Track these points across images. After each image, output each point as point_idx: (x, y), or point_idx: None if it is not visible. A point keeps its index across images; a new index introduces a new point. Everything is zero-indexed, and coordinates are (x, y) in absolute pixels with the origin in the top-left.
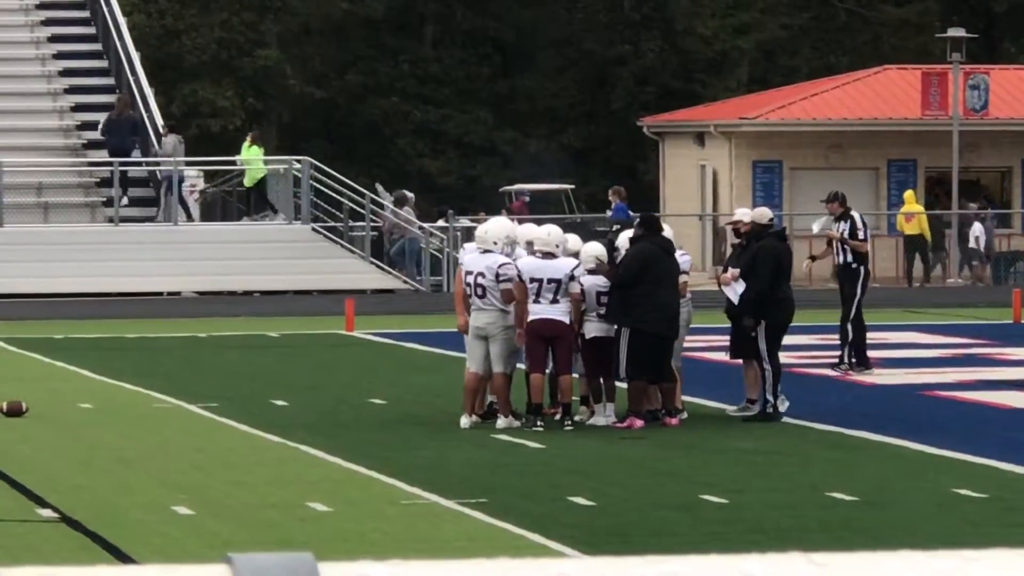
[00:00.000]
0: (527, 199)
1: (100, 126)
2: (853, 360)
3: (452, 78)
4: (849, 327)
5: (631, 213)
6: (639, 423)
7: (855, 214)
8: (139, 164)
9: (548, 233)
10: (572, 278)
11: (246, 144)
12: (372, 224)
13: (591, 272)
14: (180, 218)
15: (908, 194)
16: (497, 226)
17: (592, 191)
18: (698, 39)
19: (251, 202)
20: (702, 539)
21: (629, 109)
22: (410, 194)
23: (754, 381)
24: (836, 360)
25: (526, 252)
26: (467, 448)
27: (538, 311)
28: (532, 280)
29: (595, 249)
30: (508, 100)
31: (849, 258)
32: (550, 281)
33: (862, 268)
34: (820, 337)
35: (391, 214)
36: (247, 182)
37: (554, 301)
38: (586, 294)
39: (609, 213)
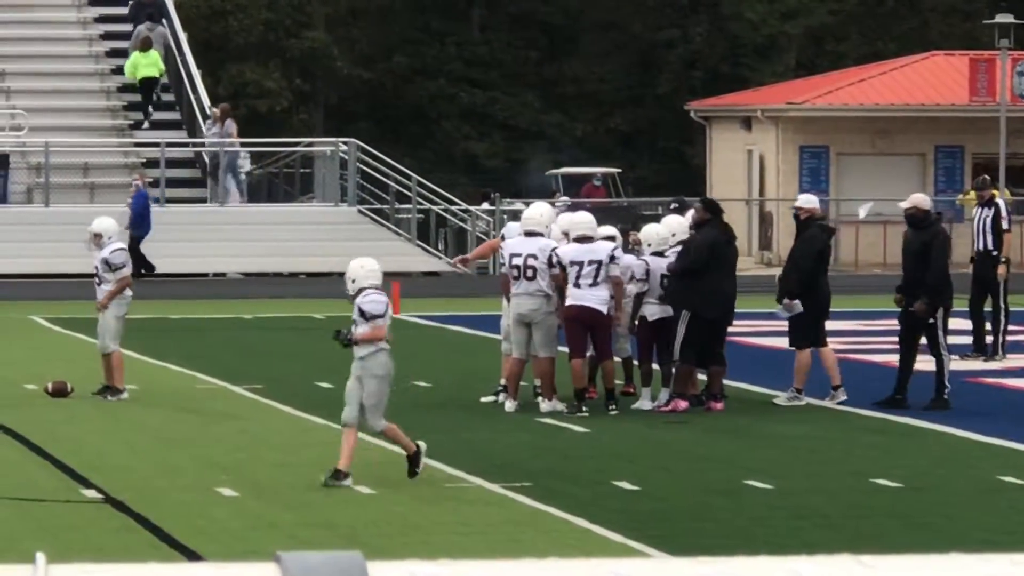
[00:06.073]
0: (598, 183)
1: (129, 8)
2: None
3: (499, 61)
4: (1002, 315)
5: (151, 200)
6: (683, 405)
7: (1000, 200)
8: (185, 145)
9: (583, 220)
10: (612, 259)
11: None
12: (418, 207)
13: (656, 255)
14: (235, 199)
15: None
16: (549, 210)
17: (641, 175)
18: (746, 24)
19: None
20: (745, 524)
21: (676, 93)
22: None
23: (806, 370)
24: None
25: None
26: (511, 432)
27: (577, 296)
28: (572, 263)
29: (665, 231)
30: (555, 83)
31: (990, 245)
32: (591, 263)
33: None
34: (863, 323)
35: (217, 132)
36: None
37: (594, 284)
38: (651, 275)
39: (129, 200)
